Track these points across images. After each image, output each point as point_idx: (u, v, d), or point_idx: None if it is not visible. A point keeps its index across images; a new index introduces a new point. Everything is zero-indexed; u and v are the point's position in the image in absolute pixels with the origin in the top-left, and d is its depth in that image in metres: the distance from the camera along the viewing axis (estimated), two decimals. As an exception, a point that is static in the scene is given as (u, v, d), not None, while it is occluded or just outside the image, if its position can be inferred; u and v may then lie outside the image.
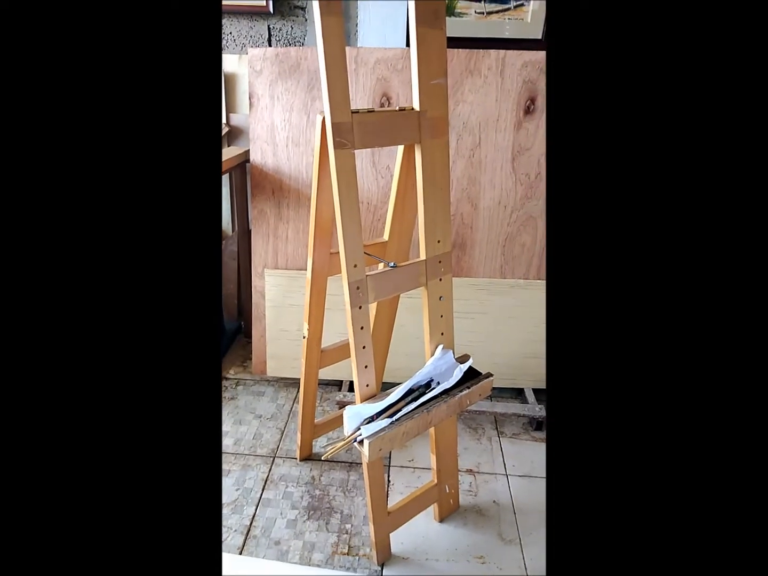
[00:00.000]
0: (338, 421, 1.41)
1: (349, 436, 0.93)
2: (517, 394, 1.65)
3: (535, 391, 1.61)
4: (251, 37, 1.69)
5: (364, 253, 0.91)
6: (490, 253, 1.54)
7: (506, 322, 1.56)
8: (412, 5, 0.83)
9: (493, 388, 1.59)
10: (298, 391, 1.63)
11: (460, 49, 1.38)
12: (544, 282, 1.55)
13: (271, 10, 1.62)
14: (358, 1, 1.60)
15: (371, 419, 0.93)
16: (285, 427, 1.49)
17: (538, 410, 1.50)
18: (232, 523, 1.19)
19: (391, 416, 0.94)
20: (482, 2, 1.58)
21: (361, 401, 0.96)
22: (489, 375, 1.08)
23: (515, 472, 1.36)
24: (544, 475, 1.33)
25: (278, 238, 1.54)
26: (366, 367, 0.94)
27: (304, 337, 1.19)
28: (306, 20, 1.66)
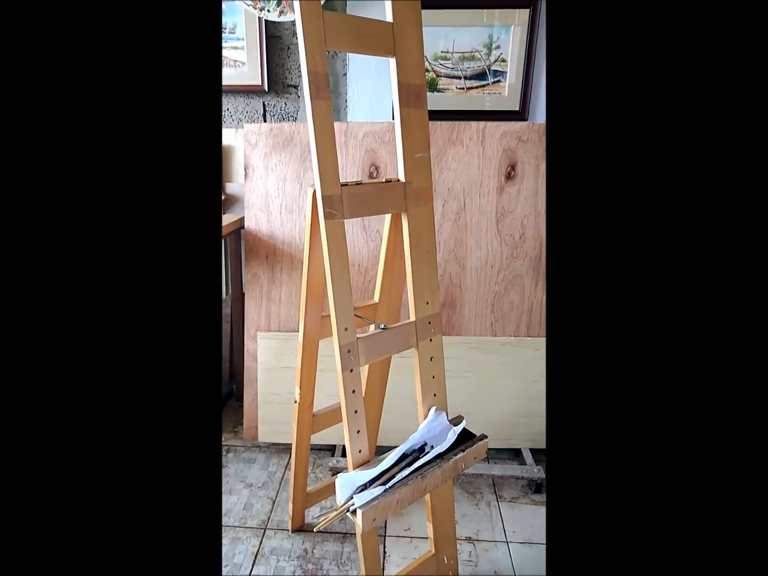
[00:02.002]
0: (331, 489, 1.36)
1: (341, 506, 0.90)
2: (515, 454, 1.62)
3: (533, 451, 1.58)
4: (247, 112, 1.80)
5: (355, 315, 0.92)
6: (479, 311, 1.56)
7: (499, 381, 1.56)
8: (395, 89, 0.90)
9: (490, 449, 1.56)
10: (290, 458, 1.59)
11: (443, 122, 1.48)
12: (534, 339, 1.56)
13: (266, 88, 1.74)
14: (348, 79, 1.72)
15: (364, 487, 0.91)
16: (276, 497, 1.44)
17: (537, 472, 1.46)
18: (219, 604, 1.12)
19: (384, 483, 0.92)
20: (462, 79, 1.71)
21: (354, 468, 0.94)
22: (483, 437, 1.06)
23: (516, 538, 1.31)
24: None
25: (271, 300, 1.57)
26: (358, 432, 0.93)
27: (295, 402, 1.18)
28: (299, 97, 1.77)
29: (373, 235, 1.52)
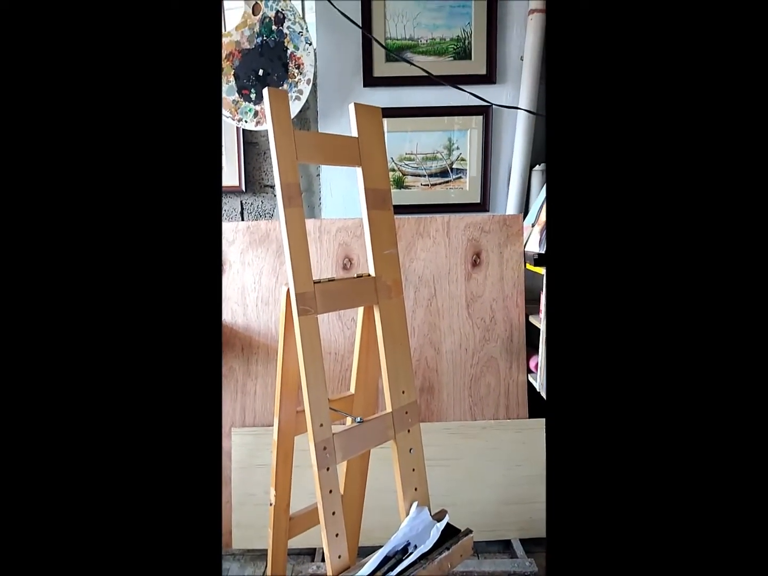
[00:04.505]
0: (311, 600, 1.26)
1: (321, 622, 0.83)
2: (505, 546, 1.54)
3: (523, 541, 1.51)
4: (225, 211, 1.88)
5: (330, 408, 0.92)
6: (457, 395, 1.57)
7: (483, 467, 1.53)
8: (362, 194, 0.98)
9: (479, 542, 1.49)
10: (266, 566, 1.47)
11: (410, 216, 1.58)
12: (514, 421, 1.56)
13: (244, 189, 1.85)
14: (321, 179, 1.85)
15: (345, 598, 0.85)
16: (251, 614, 1.32)
17: (529, 565, 1.39)
18: None
19: (366, 592, 0.86)
20: (427, 177, 1.86)
21: (334, 575, 0.88)
22: (468, 531, 1.02)
23: (513, 646, 1.21)
24: (545, 647, 1.19)
25: (246, 394, 1.54)
26: (337, 535, 0.89)
27: (270, 504, 1.13)
28: (275, 196, 1.88)
29: (349, 323, 1.55)
